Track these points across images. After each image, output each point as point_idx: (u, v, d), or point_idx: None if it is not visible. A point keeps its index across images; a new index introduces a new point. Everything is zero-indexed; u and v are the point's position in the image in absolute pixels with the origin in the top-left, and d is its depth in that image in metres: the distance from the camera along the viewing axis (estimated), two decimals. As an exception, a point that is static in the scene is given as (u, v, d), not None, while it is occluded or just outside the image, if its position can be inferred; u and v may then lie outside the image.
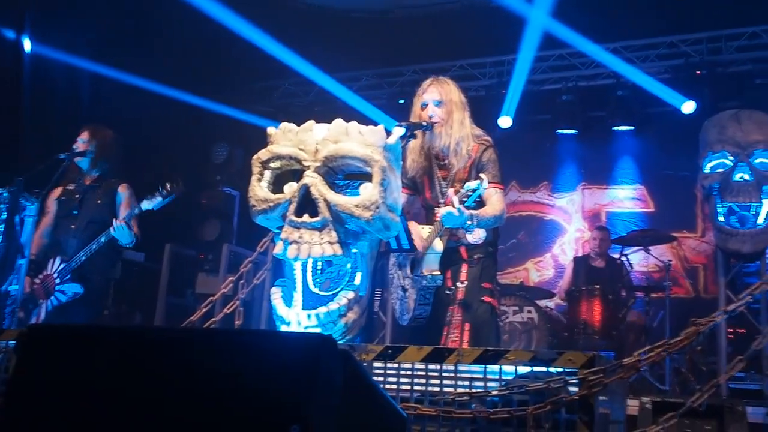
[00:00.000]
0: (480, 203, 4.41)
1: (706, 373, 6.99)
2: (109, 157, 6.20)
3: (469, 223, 4.23)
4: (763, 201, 6.09)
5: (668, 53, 9.63)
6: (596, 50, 9.62)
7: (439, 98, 4.61)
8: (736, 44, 9.30)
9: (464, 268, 4.58)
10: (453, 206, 4.10)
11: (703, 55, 9.43)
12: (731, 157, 6.21)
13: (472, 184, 4.10)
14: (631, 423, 3.54)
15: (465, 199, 4.14)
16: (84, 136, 6.13)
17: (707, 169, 6.37)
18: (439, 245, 4.51)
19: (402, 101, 10.40)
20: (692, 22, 9.33)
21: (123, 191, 6.09)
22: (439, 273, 4.49)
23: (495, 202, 4.49)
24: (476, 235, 4.42)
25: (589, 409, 2.92)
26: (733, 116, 6.43)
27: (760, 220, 6.12)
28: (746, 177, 6.11)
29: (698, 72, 9.45)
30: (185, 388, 1.93)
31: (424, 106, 4.64)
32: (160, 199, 5.69)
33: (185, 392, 1.93)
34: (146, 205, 5.72)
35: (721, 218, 6.22)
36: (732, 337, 7.04)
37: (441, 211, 4.28)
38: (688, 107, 9.40)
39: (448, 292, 4.58)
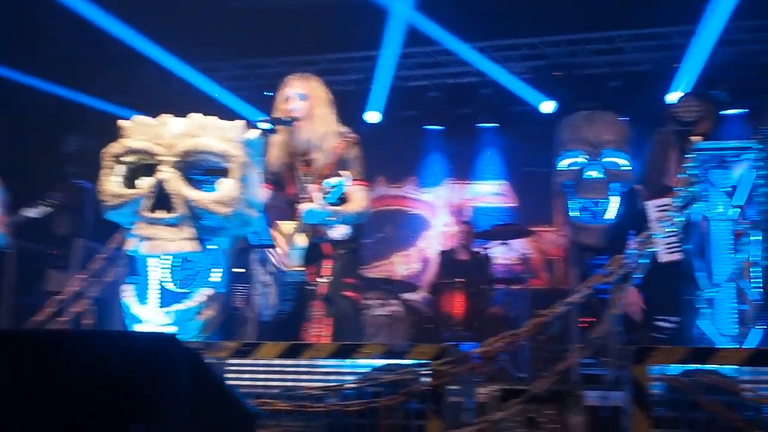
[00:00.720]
0: (344, 200, 4.44)
1: (557, 358, 7.28)
2: None
3: (331, 218, 4.27)
4: (611, 198, 6.39)
5: (530, 54, 9.95)
6: (462, 48, 9.83)
7: (302, 92, 4.59)
8: (593, 48, 9.72)
9: (326, 263, 4.58)
10: (314, 203, 4.13)
11: (562, 57, 9.81)
12: (584, 156, 6.47)
13: (333, 181, 4.13)
14: (482, 410, 3.67)
15: (326, 195, 4.16)
16: None
17: (562, 166, 6.61)
18: (301, 241, 4.52)
19: (269, 93, 10.31)
20: (553, 25, 9.66)
21: None
22: (301, 269, 4.52)
23: (358, 198, 4.53)
24: (339, 231, 4.46)
25: (438, 399, 3.03)
26: (587, 117, 6.69)
27: (610, 215, 6.41)
28: (596, 175, 6.38)
29: (557, 73, 9.83)
30: (26, 390, 1.89)
31: (286, 99, 4.62)
32: (45, 208, 5.51)
33: (26, 395, 1.89)
34: (29, 213, 5.54)
35: (573, 213, 6.48)
36: (586, 325, 7.36)
37: (302, 208, 4.29)
38: (548, 107, 9.77)
39: (310, 287, 4.60)
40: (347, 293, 4.60)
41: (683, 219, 3.65)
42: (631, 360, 2.85)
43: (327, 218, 4.28)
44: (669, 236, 3.53)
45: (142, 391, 1.84)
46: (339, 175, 4.21)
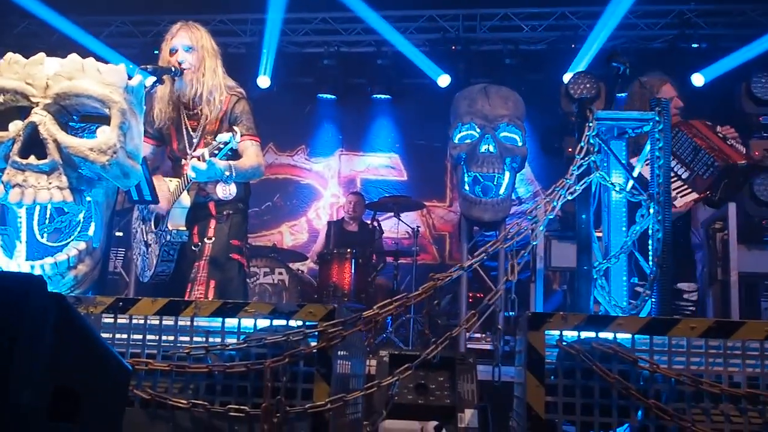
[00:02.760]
0: (235, 156, 4.25)
1: (444, 329, 7.31)
2: None
3: (227, 174, 4.04)
4: (506, 172, 6.38)
5: (427, 27, 9.92)
6: (359, 17, 9.71)
7: (189, 44, 4.38)
8: (489, 24, 9.75)
9: (212, 223, 4.41)
10: (202, 159, 3.92)
11: (459, 31, 9.80)
12: (478, 129, 6.44)
13: (224, 137, 3.92)
14: (371, 380, 3.57)
15: (216, 152, 3.96)
16: None
17: (456, 139, 6.57)
18: (186, 199, 4.30)
19: (157, 52, 9.93)
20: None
21: None
22: (184, 229, 4.29)
23: (252, 154, 4.34)
24: (226, 191, 4.17)
25: (327, 362, 2.90)
26: (482, 90, 6.67)
27: (502, 190, 6.41)
28: (491, 149, 6.35)
29: (454, 47, 9.83)
30: None
31: (173, 51, 4.39)
32: None
33: None
34: None
35: (466, 187, 6.45)
36: (472, 300, 7.40)
37: (190, 164, 4.05)
38: (444, 80, 9.77)
39: (194, 248, 4.39)
40: (233, 256, 4.44)
41: (580, 189, 3.62)
42: (527, 326, 2.78)
43: (217, 175, 4.03)
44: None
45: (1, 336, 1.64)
46: (229, 131, 4.02)
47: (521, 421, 2.83)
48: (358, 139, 10.95)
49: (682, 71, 9.20)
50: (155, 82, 4.22)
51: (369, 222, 8.72)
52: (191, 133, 4.43)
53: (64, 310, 1.87)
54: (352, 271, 7.76)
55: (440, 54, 9.82)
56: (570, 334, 2.78)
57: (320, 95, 10.59)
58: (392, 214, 8.69)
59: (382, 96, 10.46)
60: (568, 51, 9.45)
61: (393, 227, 8.92)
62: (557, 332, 2.77)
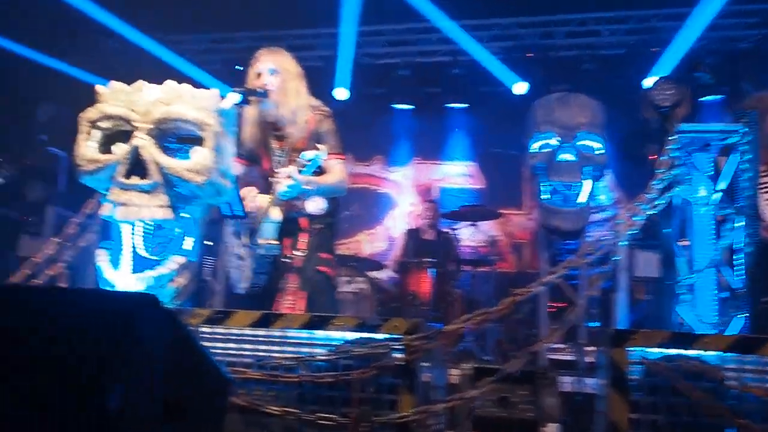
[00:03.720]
0: (321, 173, 4.40)
1: (525, 342, 7.33)
2: None
3: (310, 188, 4.22)
4: (584, 181, 6.37)
5: (502, 35, 9.92)
6: (433, 27, 9.81)
7: (273, 67, 4.53)
8: (566, 30, 9.71)
9: (303, 237, 4.54)
10: (290, 177, 4.11)
11: (535, 38, 9.79)
12: (557, 138, 6.44)
13: (309, 154, 4.08)
14: (454, 391, 3.65)
15: (302, 169, 4.12)
16: None
17: (534, 148, 6.57)
18: (276, 214, 4.46)
19: (240, 67, 10.21)
20: (527, 7, 9.65)
21: None
22: (276, 243, 4.44)
23: (337, 171, 4.51)
24: (315, 206, 4.38)
25: (411, 374, 3.00)
26: (561, 98, 6.66)
27: (581, 199, 6.39)
28: (570, 157, 6.35)
29: (530, 55, 9.82)
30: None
31: (258, 74, 4.55)
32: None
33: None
34: None
35: (544, 196, 6.45)
36: (554, 310, 7.39)
37: (278, 183, 4.23)
38: (520, 88, 9.77)
39: (285, 260, 4.55)
40: (321, 268, 4.56)
41: (664, 202, 3.63)
42: (610, 343, 2.82)
43: (304, 192, 4.21)
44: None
45: (120, 351, 1.79)
46: (315, 149, 4.17)
47: (604, 436, 2.88)
48: (435, 148, 11.04)
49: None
50: (242, 103, 4.38)
51: (446, 231, 8.79)
52: (279, 152, 4.59)
53: (175, 325, 2.02)
54: (431, 280, 7.84)
55: (516, 61, 9.82)
56: (654, 350, 2.82)
57: (396, 105, 10.71)
58: (470, 223, 8.75)
59: (458, 105, 10.51)
60: (649, 54, 9.31)
61: (471, 236, 8.98)
62: (640, 349, 2.81)
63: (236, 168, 4.23)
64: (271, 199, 4.40)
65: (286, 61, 4.58)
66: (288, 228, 4.50)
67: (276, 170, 4.50)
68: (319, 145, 4.20)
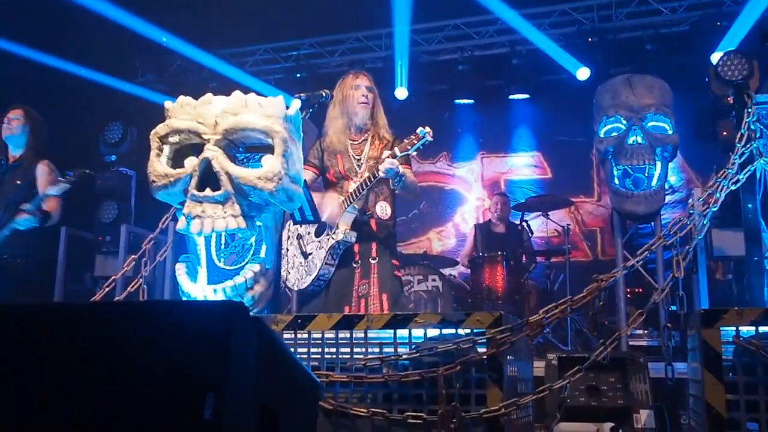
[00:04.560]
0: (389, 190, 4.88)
1: (608, 330, 7.21)
2: (40, 137, 6.24)
3: (401, 174, 4.60)
4: (657, 163, 6.24)
5: (560, 21, 9.78)
6: (490, 20, 9.74)
7: (369, 85, 5.02)
8: (625, 11, 9.53)
9: (374, 245, 4.81)
10: (392, 156, 4.51)
11: (594, 22, 9.63)
12: (624, 121, 6.32)
13: (418, 133, 4.43)
14: (538, 383, 3.61)
15: (409, 148, 4.48)
16: (17, 113, 6.16)
17: (602, 133, 6.47)
18: (356, 205, 4.73)
19: (300, 75, 10.33)
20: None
21: (43, 167, 6.09)
22: (353, 232, 4.69)
23: (413, 175, 4.95)
24: (382, 210, 4.82)
25: (498, 368, 2.97)
26: (625, 81, 6.53)
27: (654, 182, 6.27)
28: (639, 140, 6.22)
29: (590, 39, 9.67)
30: (95, 364, 1.86)
31: (357, 87, 4.98)
32: (66, 185, 5.67)
33: (96, 368, 1.85)
34: (53, 191, 5.69)
35: (616, 181, 6.34)
36: (630, 296, 7.26)
37: (384, 162, 4.53)
38: (583, 74, 9.61)
39: (355, 264, 4.76)
40: (396, 273, 4.91)
41: (743, 177, 3.53)
42: (701, 324, 2.75)
43: (397, 175, 4.58)
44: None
45: (212, 359, 1.80)
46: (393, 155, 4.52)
47: (700, 420, 2.80)
48: (499, 141, 10.95)
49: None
50: (310, 109, 4.52)
51: (517, 222, 8.71)
52: (355, 158, 4.93)
53: (264, 332, 2.03)
54: (504, 273, 7.78)
55: (577, 47, 9.66)
56: (746, 329, 2.73)
57: (457, 101, 10.64)
58: (540, 213, 8.66)
59: (520, 96, 10.39)
60: (714, 29, 9.03)
61: (542, 226, 8.88)
62: (732, 328, 2.73)
63: (307, 174, 4.61)
64: (348, 196, 4.71)
65: (374, 84, 5.10)
66: (359, 229, 4.76)
67: (356, 172, 4.87)
68: (425, 126, 4.47)
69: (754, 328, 2.73)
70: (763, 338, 2.70)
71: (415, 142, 4.45)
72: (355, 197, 4.67)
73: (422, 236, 10.84)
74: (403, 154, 4.51)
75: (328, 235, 4.72)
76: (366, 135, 4.98)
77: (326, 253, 4.68)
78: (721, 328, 2.72)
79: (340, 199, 4.75)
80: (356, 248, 4.77)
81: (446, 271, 8.70)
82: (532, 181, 10.67)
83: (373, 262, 4.77)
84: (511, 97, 10.47)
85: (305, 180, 4.14)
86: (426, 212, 10.93)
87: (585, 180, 10.37)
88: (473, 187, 10.99)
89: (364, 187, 4.63)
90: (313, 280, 4.71)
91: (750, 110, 3.61)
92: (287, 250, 4.92)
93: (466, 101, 10.68)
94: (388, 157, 4.54)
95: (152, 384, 1.77)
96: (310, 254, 4.78)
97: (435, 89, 10.63)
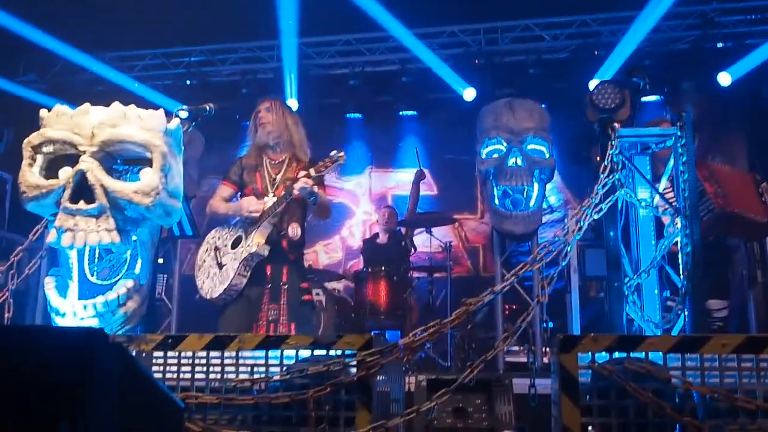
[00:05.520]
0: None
1: (482, 341, 7.40)
2: None
3: (317, 192, 4.83)
4: (534, 184, 6.47)
5: (449, 42, 9.99)
6: (382, 37, 9.86)
7: (268, 105, 5.22)
8: (510, 35, 9.82)
9: (285, 269, 4.95)
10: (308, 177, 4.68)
11: (481, 45, 9.88)
12: (505, 143, 6.53)
13: (332, 156, 4.69)
14: (410, 399, 3.68)
15: (323, 170, 4.69)
16: None
17: (484, 154, 6.67)
18: (270, 222, 4.88)
19: (189, 82, 10.18)
20: (471, 14, 9.74)
21: None
22: (266, 246, 4.81)
23: (326, 197, 5.21)
24: (295, 231, 4.98)
25: (367, 390, 3.02)
26: (507, 104, 6.76)
27: (532, 203, 6.50)
28: (519, 162, 6.46)
29: (477, 61, 9.92)
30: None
31: (256, 114, 5.23)
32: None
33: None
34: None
35: (496, 201, 6.55)
36: (508, 313, 7.48)
37: (299, 182, 4.71)
38: (470, 94, 9.86)
39: (268, 286, 4.89)
40: (305, 297, 5.10)
41: (606, 206, 3.71)
42: (559, 348, 2.87)
43: (312, 194, 4.78)
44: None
45: (68, 387, 1.78)
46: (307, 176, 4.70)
47: (559, 441, 2.92)
48: (388, 156, 11.07)
49: (707, 71, 9.23)
50: (193, 123, 4.48)
51: (401, 239, 8.81)
52: (273, 175, 5.10)
53: (126, 358, 2.02)
54: (387, 288, 7.86)
55: (464, 68, 9.90)
56: (602, 354, 2.87)
57: (348, 115, 10.74)
58: (423, 229, 8.80)
59: (409, 112, 10.58)
60: (592, 58, 9.47)
61: (425, 242, 9.01)
62: (588, 354, 2.86)
63: (226, 191, 5.10)
64: (277, 200, 4.86)
65: (279, 104, 5.31)
66: (272, 250, 4.87)
67: (269, 191, 5.02)
68: (340, 151, 4.74)
69: (607, 353, 2.87)
70: (617, 363, 2.84)
71: (330, 164, 4.69)
72: (271, 212, 4.82)
73: (309, 249, 10.82)
74: (318, 175, 4.72)
75: (242, 247, 4.83)
76: (284, 156, 5.14)
77: (239, 264, 4.79)
78: (578, 354, 2.85)
79: (261, 200, 4.93)
80: (268, 269, 4.89)
81: (331, 285, 8.73)
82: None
83: (283, 287, 4.89)
84: (400, 113, 10.63)
85: (225, 198, 4.65)
86: (313, 225, 10.86)
87: (469, 198, 10.60)
88: (361, 201, 11.07)
89: (280, 204, 4.79)
90: (225, 289, 4.80)
91: (614, 142, 3.80)
92: (204, 261, 5.04)
93: (356, 115, 10.78)
94: (304, 176, 4.70)
95: (7, 414, 1.74)
96: (224, 265, 4.90)
97: (326, 102, 10.66)
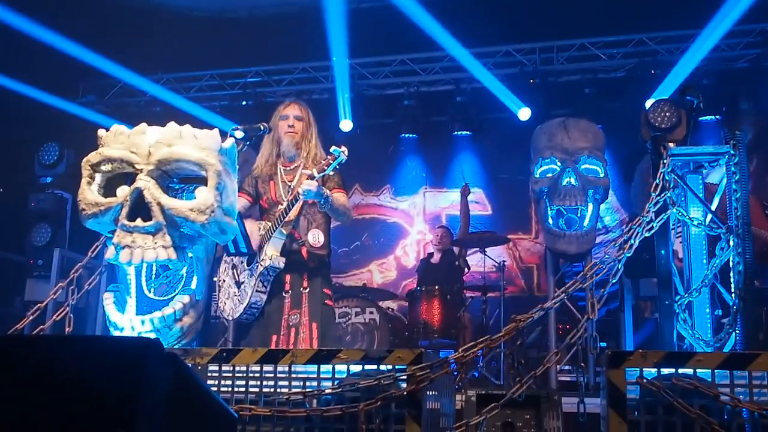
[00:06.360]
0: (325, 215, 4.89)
1: (535, 361, 7.34)
2: None
3: (325, 195, 4.62)
4: (589, 204, 6.43)
5: (504, 62, 9.99)
6: (436, 56, 9.92)
7: (299, 114, 5.04)
8: (566, 55, 9.79)
9: (305, 276, 4.84)
10: (311, 177, 4.51)
11: (536, 64, 9.87)
12: (559, 163, 6.52)
13: (333, 153, 4.49)
14: (460, 416, 3.69)
15: (325, 168, 4.50)
16: None
17: (537, 174, 6.66)
18: (283, 231, 4.72)
19: (245, 103, 10.36)
20: (526, 33, 9.74)
21: None
22: (279, 256, 4.68)
23: (343, 198, 4.95)
24: (314, 238, 4.81)
25: (416, 404, 3.04)
26: (561, 124, 6.75)
27: (586, 222, 6.46)
28: (573, 182, 6.43)
29: (532, 80, 9.90)
30: (4, 396, 1.89)
31: (284, 118, 5.03)
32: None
33: (4, 401, 1.88)
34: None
35: (550, 220, 6.52)
36: (561, 332, 7.42)
37: (302, 184, 4.57)
38: (524, 114, 9.83)
39: (285, 294, 4.78)
40: (327, 302, 4.91)
41: (657, 224, 3.68)
42: (607, 364, 2.87)
43: (320, 195, 4.60)
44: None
45: (122, 396, 1.85)
46: (329, 155, 4.55)
47: (607, 457, 2.91)
48: (442, 176, 11.10)
49: (766, 92, 9.07)
50: (247, 142, 4.57)
51: (455, 258, 8.82)
52: (288, 183, 4.95)
53: (179, 368, 2.08)
54: (441, 307, 7.88)
55: (519, 88, 9.90)
56: (650, 370, 2.86)
57: (402, 135, 10.81)
58: (478, 249, 8.79)
59: (463, 132, 10.60)
60: (649, 77, 9.38)
61: (479, 262, 9.01)
62: (637, 369, 2.85)
63: (240, 203, 4.65)
64: (274, 222, 4.72)
65: (308, 113, 5.12)
66: (290, 258, 4.76)
67: (284, 198, 4.87)
68: (338, 147, 4.52)
69: (656, 369, 2.86)
70: (665, 379, 2.83)
71: (331, 161, 4.51)
72: (280, 222, 4.68)
73: (363, 268, 10.90)
74: (321, 174, 4.53)
75: (257, 262, 4.72)
76: (298, 163, 4.99)
77: (256, 280, 4.69)
78: (626, 369, 2.84)
79: (260, 225, 4.81)
80: (287, 278, 4.79)
81: (385, 304, 8.77)
82: (472, 216, 10.74)
83: (304, 291, 4.79)
84: (454, 133, 10.66)
85: (239, 211, 4.20)
86: (368, 244, 11.01)
87: (524, 217, 10.56)
88: (415, 221, 11.11)
89: (287, 211, 4.66)
90: (245, 308, 4.72)
91: (665, 161, 3.78)
92: (224, 281, 4.95)
93: (410, 135, 10.84)
94: (306, 178, 4.59)
95: (63, 421, 1.81)
96: (242, 283, 4.80)
97: (381, 123, 10.75)
